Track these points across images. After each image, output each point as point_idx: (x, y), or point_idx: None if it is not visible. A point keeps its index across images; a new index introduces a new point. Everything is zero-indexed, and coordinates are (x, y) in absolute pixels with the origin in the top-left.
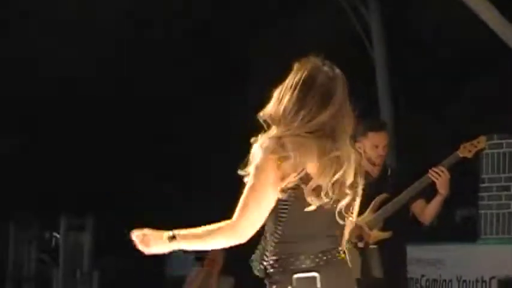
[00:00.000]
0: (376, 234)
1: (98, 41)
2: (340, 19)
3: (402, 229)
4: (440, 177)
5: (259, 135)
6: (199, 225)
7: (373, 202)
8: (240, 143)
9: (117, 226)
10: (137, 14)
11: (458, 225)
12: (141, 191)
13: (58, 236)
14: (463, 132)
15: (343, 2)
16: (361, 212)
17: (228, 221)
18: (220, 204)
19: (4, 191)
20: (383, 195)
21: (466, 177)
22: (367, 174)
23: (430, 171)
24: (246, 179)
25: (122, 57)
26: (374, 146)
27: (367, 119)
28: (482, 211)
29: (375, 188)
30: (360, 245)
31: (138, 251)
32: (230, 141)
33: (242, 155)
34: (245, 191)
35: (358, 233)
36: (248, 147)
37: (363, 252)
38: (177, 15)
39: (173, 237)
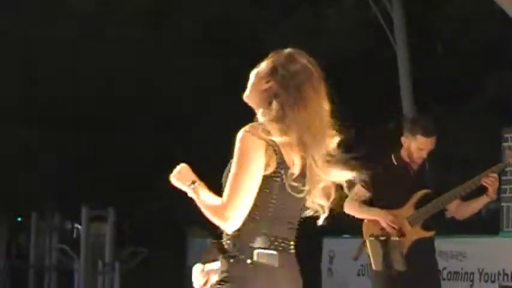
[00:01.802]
0: (418, 232)
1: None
2: (362, 10)
3: (438, 226)
4: (493, 183)
5: None
6: None
7: (413, 196)
8: None
9: (138, 217)
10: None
11: (481, 218)
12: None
13: (79, 226)
14: (483, 124)
15: None
16: (400, 203)
17: (221, 204)
18: None
19: (26, 182)
20: (424, 191)
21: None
22: (407, 166)
23: (484, 177)
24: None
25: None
26: (420, 149)
27: (421, 118)
28: (505, 204)
29: (414, 182)
30: (374, 237)
31: (158, 241)
32: None
33: None
34: (232, 176)
35: (399, 226)
36: None
37: (385, 244)
38: None
39: (193, 183)
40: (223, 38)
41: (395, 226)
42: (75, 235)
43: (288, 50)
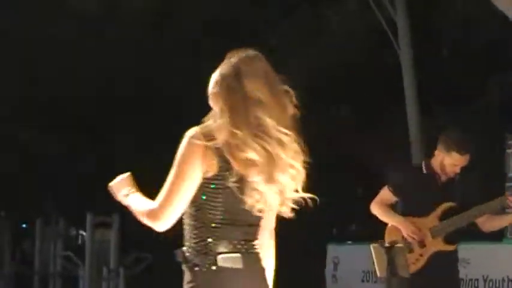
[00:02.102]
0: (439, 244)
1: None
2: (366, 14)
3: (460, 239)
4: None
5: None
6: None
7: (439, 208)
8: None
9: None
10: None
11: None
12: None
13: (84, 233)
14: (488, 127)
15: None
16: (425, 212)
17: (154, 205)
18: None
19: (31, 188)
20: (449, 204)
21: (492, 176)
22: (435, 176)
23: (509, 198)
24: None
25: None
26: (454, 165)
27: (457, 134)
28: (510, 211)
29: (442, 193)
30: (387, 245)
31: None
32: None
33: None
34: (168, 179)
35: (421, 239)
36: None
37: (390, 251)
38: None
39: (127, 195)
40: (223, 38)
41: (416, 238)
42: (79, 241)
43: (238, 51)
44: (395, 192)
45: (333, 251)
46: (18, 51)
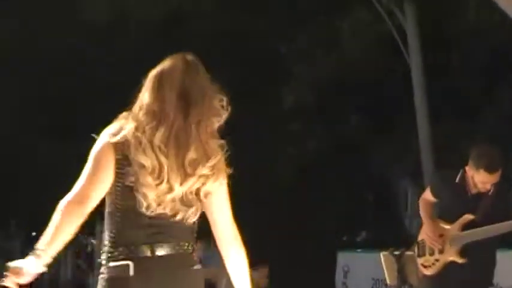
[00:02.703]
0: (452, 254)
1: None
2: (377, 23)
3: (482, 259)
4: None
5: None
6: None
7: (462, 218)
8: None
9: None
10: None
11: None
12: None
13: (94, 241)
14: (499, 134)
15: (378, 6)
16: (452, 218)
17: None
18: None
19: (40, 196)
20: (469, 217)
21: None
22: (466, 188)
23: None
24: None
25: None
26: (484, 183)
27: (486, 152)
28: None
29: (469, 204)
30: (397, 253)
31: None
32: None
33: None
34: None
35: (441, 247)
36: None
37: (400, 259)
38: None
39: (37, 254)
40: (238, 49)
41: (435, 244)
42: (90, 249)
43: (177, 55)
44: (432, 193)
45: (343, 258)
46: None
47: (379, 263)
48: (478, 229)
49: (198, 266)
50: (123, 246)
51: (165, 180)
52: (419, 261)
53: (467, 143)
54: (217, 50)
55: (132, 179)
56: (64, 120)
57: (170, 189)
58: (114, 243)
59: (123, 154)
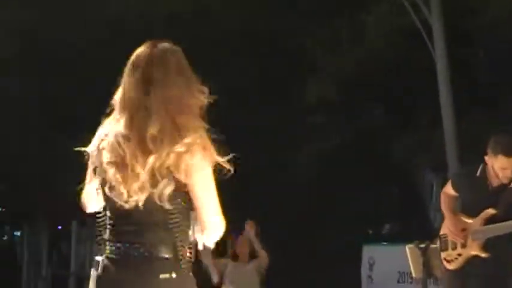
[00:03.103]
0: (475, 249)
1: None
2: (401, 16)
3: (504, 254)
4: None
5: None
6: None
7: (484, 212)
8: None
9: None
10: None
11: None
12: None
13: None
14: None
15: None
16: (473, 214)
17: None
18: None
19: (66, 190)
20: (492, 211)
21: None
22: (487, 181)
23: None
24: None
25: None
26: (503, 168)
27: (503, 137)
28: None
29: (490, 198)
30: (414, 244)
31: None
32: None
33: None
34: None
35: (463, 241)
36: None
37: (425, 252)
38: None
39: None
40: (263, 43)
41: (457, 238)
42: None
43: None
44: (453, 187)
45: (369, 251)
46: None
47: (404, 256)
48: (501, 224)
49: (169, 275)
50: (102, 243)
51: (130, 168)
52: (442, 255)
53: (493, 134)
54: (242, 45)
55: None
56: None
57: (136, 176)
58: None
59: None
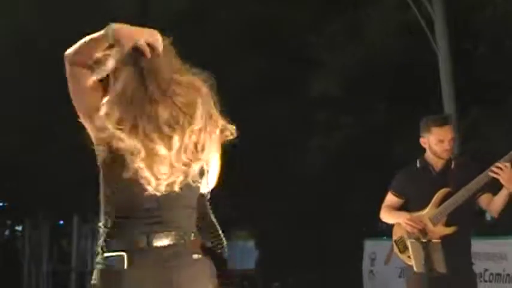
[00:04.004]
0: (440, 230)
1: None
2: (403, 12)
3: (466, 223)
4: (503, 172)
5: None
6: None
7: (435, 196)
8: None
9: None
10: None
11: None
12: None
13: None
14: None
15: None
16: (424, 204)
17: None
18: None
19: (68, 185)
20: (445, 190)
21: None
22: (428, 167)
23: (491, 167)
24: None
25: None
26: (439, 140)
27: (431, 115)
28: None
29: (437, 182)
30: (423, 239)
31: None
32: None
33: None
34: None
35: (422, 227)
36: None
37: (426, 246)
38: None
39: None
40: (267, 38)
41: (414, 225)
42: None
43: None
44: (398, 194)
45: (370, 246)
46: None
47: None
48: (450, 199)
49: (198, 256)
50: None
51: (152, 153)
52: (402, 257)
53: (494, 130)
54: (247, 39)
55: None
56: None
57: (163, 159)
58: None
59: None
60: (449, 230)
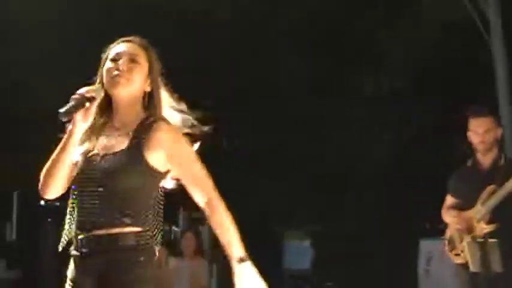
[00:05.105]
0: (481, 227)
1: None
2: (457, 7)
3: (510, 220)
4: None
5: None
6: None
7: (482, 194)
8: None
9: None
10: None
11: None
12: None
13: (177, 229)
14: None
15: None
16: (472, 203)
17: (214, 200)
18: None
19: None
20: (491, 187)
21: None
22: (477, 165)
23: None
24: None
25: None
26: (474, 132)
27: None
28: None
29: (484, 179)
30: (479, 239)
31: (251, 242)
32: None
33: None
34: (198, 165)
35: (465, 226)
36: None
37: (483, 245)
38: None
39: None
40: (331, 34)
41: (458, 223)
42: (172, 237)
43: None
44: (454, 195)
45: (426, 246)
46: None
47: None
48: (496, 193)
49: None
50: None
51: None
52: (451, 255)
53: None
54: (309, 35)
55: None
56: None
57: None
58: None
59: None
60: (491, 227)
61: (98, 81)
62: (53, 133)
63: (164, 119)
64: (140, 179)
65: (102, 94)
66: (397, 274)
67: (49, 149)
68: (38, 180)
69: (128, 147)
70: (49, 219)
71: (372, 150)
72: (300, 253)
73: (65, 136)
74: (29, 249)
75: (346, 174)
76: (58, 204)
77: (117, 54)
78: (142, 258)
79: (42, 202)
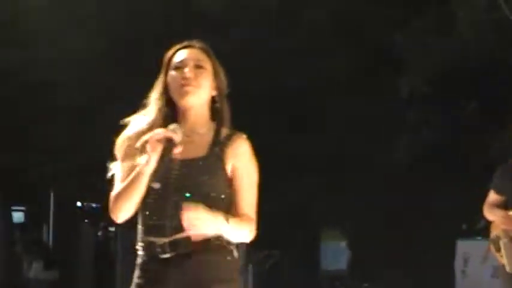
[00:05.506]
0: None
1: None
2: (492, 10)
3: None
4: None
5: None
6: None
7: None
8: None
9: (267, 217)
10: None
11: None
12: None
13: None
14: None
15: None
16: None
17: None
18: None
19: None
20: None
21: None
22: None
23: None
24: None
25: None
26: None
27: None
28: None
29: None
30: (509, 239)
31: (289, 243)
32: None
33: None
34: (254, 190)
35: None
36: None
37: None
38: None
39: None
40: (354, 37)
41: (508, 223)
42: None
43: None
44: (497, 192)
45: (463, 246)
46: None
47: None
48: None
49: None
50: None
51: None
52: (497, 256)
53: None
54: (332, 39)
55: None
56: None
57: None
58: None
59: None
60: None
61: (158, 91)
62: (86, 133)
63: (242, 134)
64: (221, 187)
65: (180, 135)
66: (434, 275)
67: (83, 151)
68: (74, 181)
69: (208, 155)
70: (86, 221)
71: (410, 150)
72: (337, 254)
73: (142, 164)
74: (65, 250)
75: (383, 175)
76: (94, 205)
77: (181, 61)
78: (229, 258)
79: (78, 203)
